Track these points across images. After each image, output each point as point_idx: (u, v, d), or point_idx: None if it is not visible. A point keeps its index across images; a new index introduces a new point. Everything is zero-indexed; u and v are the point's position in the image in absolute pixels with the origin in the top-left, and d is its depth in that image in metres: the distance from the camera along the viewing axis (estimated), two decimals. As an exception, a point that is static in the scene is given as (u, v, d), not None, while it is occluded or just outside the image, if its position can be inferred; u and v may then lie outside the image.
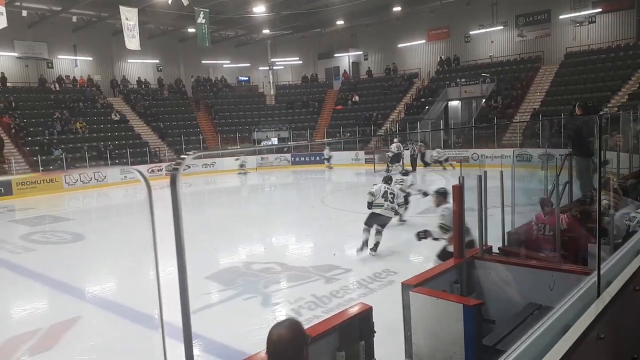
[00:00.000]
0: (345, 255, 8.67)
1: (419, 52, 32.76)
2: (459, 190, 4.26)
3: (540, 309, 3.69)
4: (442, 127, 27.89)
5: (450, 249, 6.03)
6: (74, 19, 26.67)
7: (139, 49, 23.38)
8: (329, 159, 26.39)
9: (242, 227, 12.18)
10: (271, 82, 37.14)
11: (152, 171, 23.19)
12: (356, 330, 3.34)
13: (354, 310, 3.46)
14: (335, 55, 35.65)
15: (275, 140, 29.44)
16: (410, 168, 21.05)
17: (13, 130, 23.79)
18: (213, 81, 34.91)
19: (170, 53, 33.47)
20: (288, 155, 28.21)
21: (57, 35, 28.08)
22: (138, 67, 32.75)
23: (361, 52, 35.53)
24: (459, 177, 4.37)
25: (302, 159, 27.96)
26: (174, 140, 27.96)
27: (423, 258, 8.73)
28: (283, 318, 6.08)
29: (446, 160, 22.42)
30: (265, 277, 7.58)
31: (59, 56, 29.47)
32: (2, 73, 26.78)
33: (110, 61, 31.64)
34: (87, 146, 24.83)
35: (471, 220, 4.29)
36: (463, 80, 28.52)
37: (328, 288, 6.80)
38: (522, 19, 28.45)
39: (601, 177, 4.47)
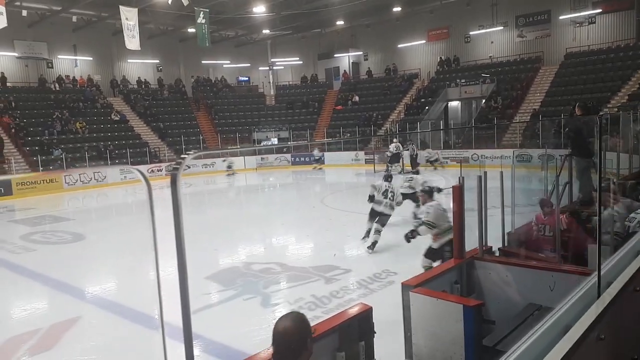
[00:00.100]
0: (345, 255, 8.67)
1: (419, 53, 32.77)
2: (459, 190, 4.26)
3: (540, 309, 3.69)
4: (442, 128, 27.87)
5: (435, 246, 6.13)
6: (74, 18, 26.68)
7: (139, 49, 23.39)
8: (318, 160, 26.40)
9: (242, 228, 12.17)
10: (271, 82, 37.15)
11: (152, 171, 23.19)
12: (356, 331, 3.34)
13: (354, 310, 3.46)
14: (335, 55, 35.65)
15: (275, 141, 29.44)
16: (410, 168, 21.06)
17: (13, 130, 23.79)
18: (213, 81, 34.91)
19: (170, 53, 33.47)
20: (288, 156, 28.21)
21: (57, 35, 28.08)
22: (138, 67, 32.75)
23: (361, 53, 35.54)
24: (459, 178, 4.38)
25: (302, 159, 27.96)
26: (174, 141, 27.96)
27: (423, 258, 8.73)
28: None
29: (436, 160, 22.51)
30: (265, 277, 7.58)
31: (59, 56, 29.47)
32: (2, 73, 26.78)
33: (110, 61, 31.65)
34: (87, 146, 24.84)
35: (471, 220, 4.29)
36: (463, 80, 28.53)
37: (328, 288, 6.80)
38: (522, 19, 28.45)
39: (601, 177, 4.46)
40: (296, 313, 2.14)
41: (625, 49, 24.44)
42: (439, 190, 10.24)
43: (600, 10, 25.76)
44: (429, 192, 6.40)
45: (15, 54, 27.59)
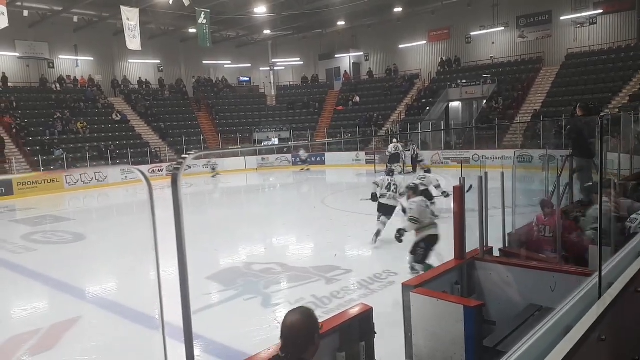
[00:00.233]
0: (346, 256, 8.68)
1: (419, 53, 32.76)
2: (459, 191, 4.26)
3: (541, 310, 3.68)
4: (442, 128, 27.84)
5: (416, 240, 6.28)
6: (75, 19, 26.69)
7: (140, 49, 23.39)
8: (304, 161, 26.26)
9: (242, 228, 12.17)
10: (272, 82, 37.15)
11: (153, 171, 23.19)
12: (357, 331, 3.34)
13: (355, 311, 3.46)
14: (336, 56, 35.64)
15: (276, 141, 29.43)
16: (410, 169, 21.07)
17: (14, 130, 23.80)
18: (214, 81, 34.92)
19: (171, 53, 33.49)
20: (289, 156, 28.20)
21: (58, 35, 28.09)
22: (139, 68, 32.77)
23: (362, 53, 35.53)
24: (460, 178, 4.37)
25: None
26: (175, 141, 27.97)
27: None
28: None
29: (421, 161, 22.55)
30: (266, 277, 7.58)
31: (60, 56, 29.50)
32: (3, 73, 26.80)
33: (111, 61, 31.66)
34: (88, 146, 24.85)
35: (472, 221, 4.28)
36: (464, 81, 28.51)
37: (328, 289, 6.79)
38: (523, 20, 28.43)
39: (602, 178, 4.46)
40: (304, 308, 2.19)
41: (627, 50, 24.42)
42: (447, 195, 10.57)
43: (601, 11, 25.74)
44: (413, 189, 6.68)
45: (17, 54, 27.61)
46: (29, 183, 20.40)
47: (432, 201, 10.94)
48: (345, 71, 35.43)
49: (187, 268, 1.47)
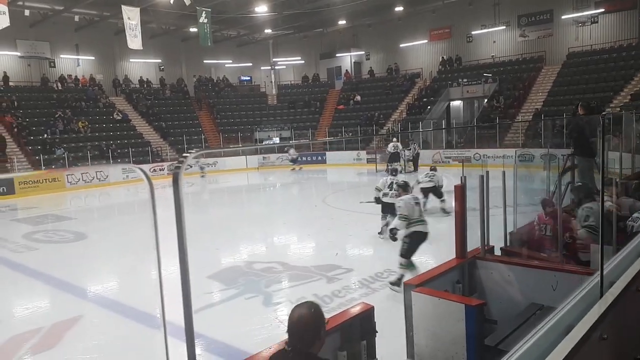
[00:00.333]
0: (347, 255, 8.68)
1: (421, 52, 32.73)
2: (461, 190, 4.26)
3: (542, 309, 3.68)
4: (444, 127, 27.82)
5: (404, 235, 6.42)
6: (76, 18, 26.72)
7: (141, 48, 23.40)
8: (294, 160, 26.12)
9: (244, 227, 12.17)
10: (273, 81, 37.13)
11: (154, 170, 23.21)
12: (358, 330, 3.34)
13: (356, 310, 3.46)
14: (337, 55, 35.63)
15: (277, 140, 29.43)
16: (412, 168, 21.07)
17: (15, 130, 23.84)
18: (215, 81, 34.93)
19: (172, 52, 33.49)
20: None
21: (59, 34, 28.13)
22: (140, 67, 32.79)
23: (363, 52, 35.50)
24: (461, 177, 4.37)
25: (304, 158, 27.95)
26: (176, 140, 27.98)
27: (425, 258, 8.73)
28: (285, 318, 6.07)
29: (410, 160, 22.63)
30: (267, 276, 7.58)
31: (61, 55, 29.53)
32: (5, 72, 26.83)
33: (112, 61, 31.69)
34: (90, 145, 24.87)
35: (473, 220, 4.28)
36: (465, 80, 28.48)
37: (330, 288, 6.80)
38: (525, 19, 28.40)
39: (604, 177, 4.45)
40: (311, 302, 2.20)
41: (628, 49, 24.39)
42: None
43: (602, 10, 25.70)
44: (403, 187, 6.88)
45: (18, 54, 27.66)
46: (31, 182, 20.42)
47: (443, 199, 11.12)
48: (346, 70, 35.42)
49: (189, 267, 1.47)
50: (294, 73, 37.89)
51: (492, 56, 29.40)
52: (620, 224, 4.77)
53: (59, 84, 28.34)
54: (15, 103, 25.42)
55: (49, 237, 11.89)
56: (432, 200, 11.58)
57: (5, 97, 25.40)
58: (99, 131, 26.57)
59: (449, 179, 12.65)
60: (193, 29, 28.14)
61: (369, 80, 34.12)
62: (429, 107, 28.26)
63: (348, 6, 27.31)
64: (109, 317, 6.41)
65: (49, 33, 27.67)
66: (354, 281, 7.08)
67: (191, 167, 24.35)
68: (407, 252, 6.45)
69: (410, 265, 6.45)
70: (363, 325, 3.38)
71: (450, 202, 10.78)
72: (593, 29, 26.34)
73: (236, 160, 26.69)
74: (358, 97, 32.03)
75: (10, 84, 26.85)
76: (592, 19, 26.25)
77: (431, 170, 11.79)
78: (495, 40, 29.52)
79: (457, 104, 30.76)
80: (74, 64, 30.09)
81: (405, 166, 21.11)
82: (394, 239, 6.77)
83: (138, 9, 22.18)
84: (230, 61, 36.05)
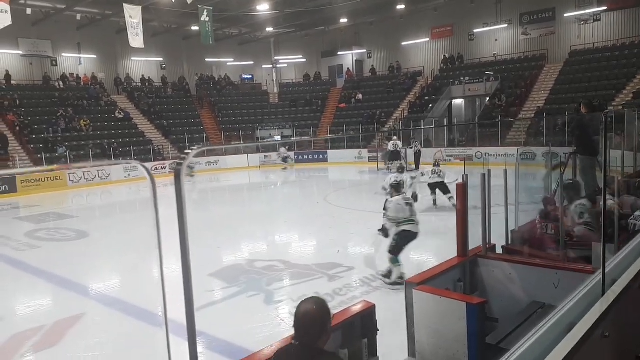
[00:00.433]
0: (349, 253, 8.68)
1: (422, 50, 32.68)
2: (462, 188, 4.25)
3: (543, 307, 3.68)
4: (445, 124, 27.78)
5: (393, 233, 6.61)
6: (78, 17, 26.74)
7: (143, 47, 23.39)
8: (285, 159, 25.95)
9: (245, 225, 12.18)
10: (275, 80, 37.12)
11: (156, 169, 23.21)
12: (359, 328, 3.34)
13: (357, 308, 3.46)
14: (339, 53, 35.59)
15: (278, 138, 29.43)
16: (413, 166, 21.04)
17: (17, 128, 23.88)
18: (217, 79, 34.94)
19: (174, 51, 33.49)
20: (291, 154, 28.22)
21: (61, 33, 28.15)
22: (142, 65, 32.80)
23: (365, 50, 35.46)
24: (463, 176, 4.37)
25: (306, 157, 27.97)
26: (178, 138, 27.99)
27: (426, 256, 8.73)
28: (286, 316, 6.09)
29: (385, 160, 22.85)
30: (268, 274, 7.59)
31: (63, 54, 29.55)
32: (7, 71, 26.88)
33: (114, 59, 31.71)
34: (92, 144, 24.91)
35: (475, 218, 4.27)
36: (467, 78, 28.42)
37: (331, 286, 6.80)
38: (527, 17, 28.32)
39: (606, 176, 4.45)
40: (317, 297, 2.22)
41: (631, 47, 24.31)
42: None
43: (605, 8, 25.60)
44: (396, 187, 6.93)
45: (20, 52, 27.69)
46: (33, 181, 20.47)
47: (450, 195, 11.24)
48: (348, 68, 35.38)
49: (190, 263, 1.47)
50: (296, 71, 37.86)
51: (494, 54, 29.34)
52: (622, 222, 4.76)
53: (61, 83, 28.38)
54: (18, 101, 25.47)
55: (51, 235, 11.92)
56: (439, 197, 11.99)
57: (7, 95, 25.44)
58: (100, 130, 26.61)
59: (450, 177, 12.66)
60: (195, 28, 28.08)
61: (371, 78, 34.08)
62: (430, 105, 28.22)
63: (350, 4, 27.27)
64: (111, 315, 6.42)
65: (51, 31, 27.69)
66: (355, 279, 7.09)
67: (194, 166, 24.38)
68: (394, 249, 6.64)
69: (395, 262, 6.64)
70: (364, 323, 3.38)
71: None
72: (595, 27, 26.25)
73: (237, 158, 26.71)
74: (360, 96, 32.00)
75: (13, 82, 26.88)
76: (595, 17, 26.16)
77: (435, 166, 12.11)
78: (497, 38, 29.45)
79: (459, 102, 30.71)
80: (76, 62, 30.12)
81: (406, 165, 21.08)
82: (385, 235, 6.88)
83: (140, 7, 22.17)
84: (232, 59, 36.04)
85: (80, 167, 22.04)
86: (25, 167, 22.46)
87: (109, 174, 22.52)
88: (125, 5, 21.65)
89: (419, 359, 3.64)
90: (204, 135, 29.29)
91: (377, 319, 3.46)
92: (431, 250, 8.55)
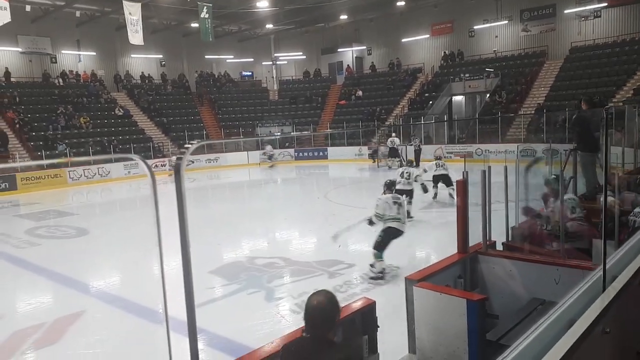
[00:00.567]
0: (349, 250, 8.67)
1: (422, 47, 32.63)
2: (463, 185, 4.25)
3: (544, 304, 3.68)
4: (445, 120, 27.70)
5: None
6: (77, 13, 26.68)
7: (142, 44, 23.36)
8: (270, 157, 25.62)
9: (245, 222, 12.19)
10: (274, 77, 37.09)
11: (156, 166, 23.20)
12: (359, 325, 3.34)
13: (358, 304, 3.46)
14: (339, 50, 35.54)
15: (279, 136, 29.43)
16: (413, 162, 21.02)
17: (17, 125, 23.86)
18: (216, 76, 34.89)
19: (174, 48, 33.44)
20: (291, 151, 28.23)
21: (60, 30, 28.10)
22: (141, 62, 32.75)
23: (365, 47, 35.40)
24: (463, 172, 4.36)
25: (306, 154, 27.96)
26: (178, 136, 27.97)
27: (426, 253, 8.75)
28: (287, 313, 6.09)
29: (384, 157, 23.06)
30: (269, 271, 7.60)
31: (63, 51, 29.51)
32: (6, 68, 26.84)
33: (113, 56, 31.67)
34: (92, 141, 24.89)
35: (475, 215, 4.27)
36: (467, 75, 28.38)
37: (331, 283, 6.80)
38: (527, 13, 28.27)
39: (607, 172, 4.44)
40: (327, 291, 2.27)
41: (631, 43, 24.26)
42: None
43: (605, 4, 25.56)
44: (389, 185, 7.39)
45: (19, 49, 27.64)
46: (33, 178, 20.48)
47: (453, 187, 11.79)
48: (348, 65, 35.33)
49: (191, 258, 1.47)
50: (296, 68, 37.81)
51: (494, 51, 29.28)
52: (623, 219, 4.76)
53: (61, 80, 28.34)
54: (17, 99, 25.43)
55: (51, 233, 11.93)
56: (440, 190, 12.45)
57: (7, 93, 25.41)
58: (100, 127, 26.59)
59: (451, 175, 12.73)
60: (194, 24, 28.02)
61: (371, 75, 34.03)
62: (430, 102, 28.18)
63: (349, 1, 27.25)
64: (111, 312, 6.43)
65: (50, 28, 27.64)
66: (355, 276, 7.09)
67: (192, 162, 24.38)
68: (378, 245, 6.89)
69: (378, 257, 6.87)
70: (365, 320, 3.38)
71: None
72: (596, 24, 26.21)
73: (237, 155, 26.69)
74: (360, 92, 31.97)
75: (12, 79, 26.84)
76: (595, 13, 26.12)
77: (437, 159, 12.70)
78: (498, 34, 29.40)
79: (459, 99, 30.66)
80: (76, 59, 30.07)
81: (403, 161, 21.10)
82: (370, 224, 7.15)
83: (139, 4, 22.13)
84: (232, 56, 35.99)
85: (83, 160, 21.96)
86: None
87: (109, 172, 22.52)
88: (125, 2, 21.61)
89: (419, 356, 3.65)
90: (204, 132, 29.27)
91: (377, 315, 3.47)
92: (431, 247, 8.54)
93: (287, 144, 28.66)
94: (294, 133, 30.12)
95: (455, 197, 11.84)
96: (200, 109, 31.89)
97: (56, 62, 29.38)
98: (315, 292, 2.24)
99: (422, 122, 25.40)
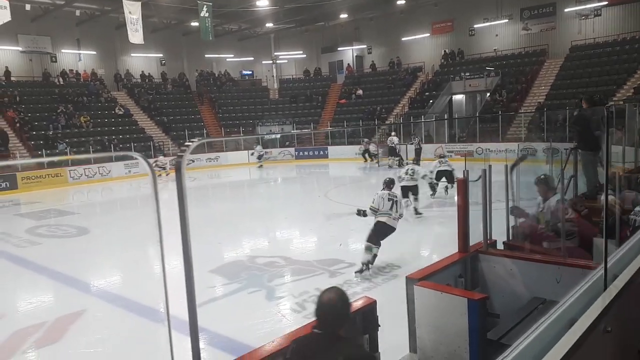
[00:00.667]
0: (349, 249, 8.67)
1: (423, 46, 32.60)
2: (463, 184, 4.24)
3: (544, 303, 3.67)
4: (446, 118, 27.67)
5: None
6: (77, 12, 26.68)
7: (143, 42, 23.35)
8: (259, 157, 25.28)
9: (246, 221, 12.19)
10: (275, 76, 37.07)
11: (157, 165, 23.18)
12: (360, 324, 3.34)
13: (358, 304, 3.46)
14: (339, 49, 35.52)
15: (278, 135, 29.43)
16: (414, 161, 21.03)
17: (17, 125, 23.86)
18: (216, 75, 34.88)
19: (174, 47, 33.43)
20: (292, 150, 28.22)
21: (60, 29, 28.09)
22: (141, 61, 32.74)
23: (365, 46, 35.39)
24: (464, 171, 4.36)
25: (306, 153, 27.96)
26: (178, 135, 27.97)
27: (427, 252, 8.75)
28: (287, 312, 6.09)
29: (375, 156, 23.39)
30: (270, 270, 7.60)
31: (63, 50, 29.50)
32: (6, 67, 26.83)
33: (113, 55, 31.65)
34: (92, 140, 24.89)
35: (476, 214, 4.27)
36: (467, 73, 28.37)
37: (332, 282, 6.79)
38: (527, 12, 28.25)
39: (608, 171, 4.44)
40: (338, 288, 2.33)
41: (631, 42, 24.24)
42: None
43: (606, 3, 25.54)
44: (388, 183, 7.59)
45: (19, 48, 27.64)
46: (33, 177, 20.48)
47: (453, 185, 12.36)
48: (348, 64, 35.32)
49: (192, 257, 1.47)
50: (296, 67, 37.80)
51: (495, 49, 29.27)
52: (624, 218, 4.75)
53: (61, 79, 28.33)
54: (17, 98, 25.43)
55: (52, 232, 11.93)
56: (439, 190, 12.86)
57: (7, 92, 25.41)
58: (101, 126, 26.59)
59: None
60: (194, 23, 28.00)
61: (371, 74, 34.02)
62: (431, 101, 28.18)
63: None
64: (112, 311, 6.43)
65: (50, 27, 27.63)
66: (356, 275, 7.09)
67: (193, 161, 24.37)
68: (370, 237, 7.15)
69: (368, 249, 7.09)
70: (365, 319, 3.38)
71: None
72: (596, 22, 26.19)
73: (238, 155, 26.69)
74: (360, 91, 31.95)
75: (12, 78, 26.84)
76: (595, 12, 26.10)
77: (441, 157, 13.07)
78: (498, 33, 29.38)
79: (459, 97, 30.65)
80: (76, 58, 30.06)
81: (405, 159, 21.12)
82: (358, 213, 7.63)
83: (139, 3, 22.12)
84: (232, 55, 35.97)
85: (83, 158, 21.91)
86: (26, 164, 22.41)
87: (110, 171, 22.52)
88: (125, 1, 21.60)
89: (420, 355, 3.65)
90: (204, 131, 29.26)
91: (378, 314, 3.46)
92: (432, 246, 8.54)
93: (287, 143, 28.64)
94: (295, 131, 30.09)
95: (447, 191, 12.51)
96: (201, 108, 31.88)
97: (56, 61, 29.37)
98: (327, 289, 2.28)
99: (423, 120, 25.39)
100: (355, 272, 7.01)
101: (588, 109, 7.85)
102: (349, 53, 35.60)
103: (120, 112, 28.13)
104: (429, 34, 31.97)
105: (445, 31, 31.57)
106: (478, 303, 3.33)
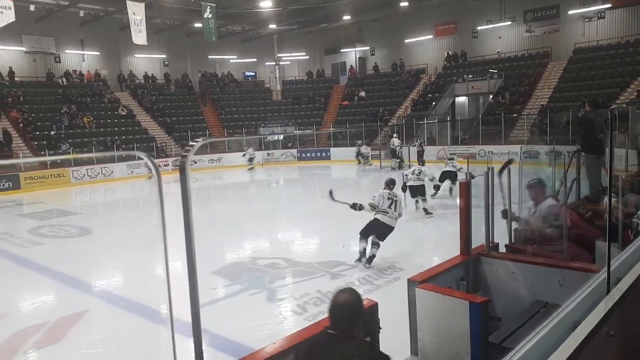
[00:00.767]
0: (351, 251, 8.65)
1: (426, 48, 32.60)
2: (466, 186, 4.23)
3: (547, 306, 3.66)
4: (448, 120, 27.62)
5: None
6: (81, 13, 26.75)
7: (146, 43, 23.41)
8: (250, 160, 25.02)
9: (248, 222, 12.18)
10: (277, 77, 37.11)
11: (159, 166, 23.17)
12: (361, 326, 3.32)
13: (360, 305, 3.44)
14: (342, 50, 35.53)
15: (281, 136, 29.44)
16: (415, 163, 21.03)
17: (21, 125, 23.93)
18: (219, 76, 34.94)
19: (177, 48, 33.51)
20: (294, 151, 28.23)
21: (64, 29, 28.17)
22: (145, 62, 32.82)
23: (368, 48, 35.39)
24: (466, 174, 4.35)
25: (308, 154, 27.96)
26: (181, 136, 28.01)
27: (429, 254, 8.73)
28: (289, 314, 6.09)
29: (366, 158, 23.84)
30: (271, 272, 7.60)
31: (67, 51, 29.60)
32: (10, 67, 26.94)
33: (117, 56, 31.74)
34: (95, 141, 24.95)
35: (478, 216, 4.25)
36: (470, 76, 28.35)
37: (334, 284, 6.79)
38: (531, 14, 28.22)
39: (612, 174, 4.41)
40: (351, 288, 2.36)
41: (635, 45, 24.18)
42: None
43: (609, 5, 25.49)
44: (388, 183, 7.92)
45: (23, 49, 27.72)
46: (36, 177, 20.53)
47: (455, 185, 12.79)
48: (351, 66, 35.32)
49: (195, 256, 1.47)
50: (299, 69, 37.83)
51: (498, 52, 29.25)
52: (627, 221, 4.73)
53: (64, 80, 28.42)
54: (21, 98, 25.50)
55: (54, 232, 11.95)
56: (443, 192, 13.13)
57: (11, 92, 25.49)
58: (104, 126, 26.66)
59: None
60: (198, 25, 28.07)
61: (374, 75, 34.02)
62: (434, 103, 28.16)
63: (353, 1, 27.24)
64: (114, 311, 6.43)
65: (54, 28, 27.72)
66: (357, 277, 7.08)
67: (195, 162, 24.39)
68: (362, 231, 7.61)
69: (360, 242, 7.55)
70: (367, 321, 3.36)
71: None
72: (600, 25, 26.15)
73: (240, 156, 26.67)
74: (363, 93, 31.95)
75: (16, 79, 26.96)
76: (599, 15, 26.06)
77: (450, 159, 13.66)
78: (501, 35, 29.36)
79: (462, 100, 30.63)
80: (79, 59, 30.16)
81: (402, 162, 21.17)
82: (352, 207, 7.91)
83: (143, 4, 22.18)
84: (235, 57, 36.03)
85: (87, 157, 21.89)
86: (29, 164, 22.45)
87: (112, 171, 22.57)
88: (128, 2, 21.65)
89: (421, 358, 3.64)
90: (207, 132, 29.33)
91: (379, 317, 3.46)
92: (434, 248, 8.52)
93: (290, 145, 28.65)
94: (297, 132, 30.11)
95: (452, 194, 12.69)
96: (203, 109, 31.93)
97: (60, 62, 29.47)
98: (342, 290, 2.31)
99: (425, 122, 25.37)
100: (356, 260, 7.57)
101: (591, 112, 7.82)
102: (351, 55, 35.62)
103: (124, 113, 28.19)
104: (432, 36, 31.96)
105: (448, 33, 31.56)
106: (480, 306, 3.32)
